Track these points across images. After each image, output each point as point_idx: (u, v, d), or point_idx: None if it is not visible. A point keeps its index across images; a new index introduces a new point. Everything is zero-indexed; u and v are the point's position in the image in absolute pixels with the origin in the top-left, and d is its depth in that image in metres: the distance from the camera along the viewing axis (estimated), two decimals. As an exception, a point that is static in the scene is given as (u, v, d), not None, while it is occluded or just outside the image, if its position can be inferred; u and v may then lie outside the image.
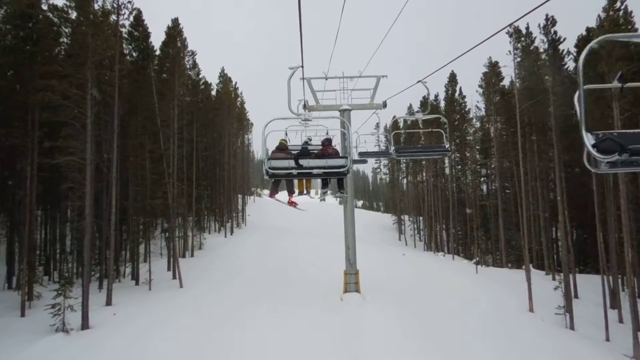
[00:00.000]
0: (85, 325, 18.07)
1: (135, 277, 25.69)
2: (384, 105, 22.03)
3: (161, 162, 25.02)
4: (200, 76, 40.51)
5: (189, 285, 24.94)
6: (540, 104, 30.62)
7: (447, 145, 12.12)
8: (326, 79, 22.46)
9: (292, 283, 26.54)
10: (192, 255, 35.24)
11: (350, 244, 22.78)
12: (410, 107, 65.78)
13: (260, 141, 9.37)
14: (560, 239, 26.70)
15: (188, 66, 36.56)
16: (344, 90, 22.62)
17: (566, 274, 25.04)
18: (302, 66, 11.63)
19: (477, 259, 39.05)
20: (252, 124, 75.51)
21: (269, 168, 9.23)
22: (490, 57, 39.28)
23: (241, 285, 25.32)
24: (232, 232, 46.99)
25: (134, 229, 25.99)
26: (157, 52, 30.44)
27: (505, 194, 42.02)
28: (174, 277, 25.93)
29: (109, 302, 20.95)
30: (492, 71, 39.52)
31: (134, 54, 26.95)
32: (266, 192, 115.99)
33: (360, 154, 21.18)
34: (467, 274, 32.60)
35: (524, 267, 37.33)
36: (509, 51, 29.83)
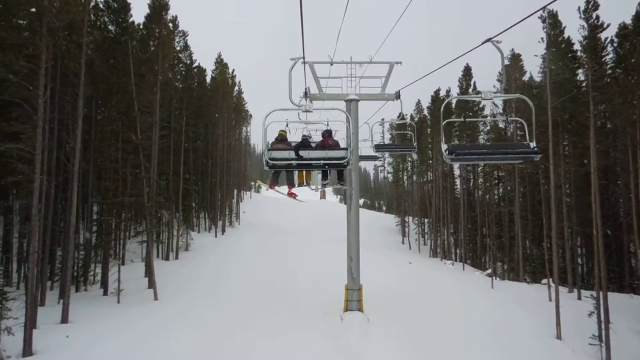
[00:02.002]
0: (27, 351, 14.66)
1: (104, 285, 22.24)
2: (397, 96, 18.73)
3: (139, 154, 21.53)
4: (194, 59, 36.81)
5: (166, 298, 21.53)
6: (574, 100, 27.17)
7: (533, 145, 8.01)
8: (331, 64, 19.17)
9: (286, 297, 23.26)
10: (176, 258, 31.81)
11: (354, 255, 19.42)
12: (418, 102, 62.34)
13: (261, 134, 9.56)
14: (596, 256, 23.24)
15: (178, 48, 33.01)
16: (351, 77, 19.28)
17: (604, 298, 21.60)
18: (303, 48, 10.43)
19: (491, 270, 35.63)
20: (250, 115, 71.88)
21: (269, 159, 9.21)
22: (512, 49, 35.72)
23: (227, 299, 21.96)
24: (223, 231, 43.47)
25: (106, 230, 22.51)
26: (143, 31, 26.96)
27: (523, 199, 38.47)
28: (150, 287, 22.53)
29: (64, 319, 17.52)
30: (514, 64, 35.96)
31: (111, 28, 23.40)
32: (265, 186, 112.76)
33: (377, 146, 17.82)
34: (481, 289, 29.16)
35: (543, 281, 33.97)
36: (542, 38, 26.28)
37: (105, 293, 22.04)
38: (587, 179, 28.93)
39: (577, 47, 29.04)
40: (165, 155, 31.99)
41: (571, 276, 31.29)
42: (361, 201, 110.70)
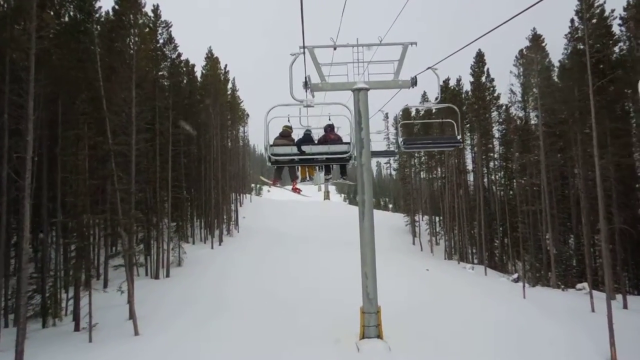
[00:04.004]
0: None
1: (76, 317, 18.85)
2: (414, 82, 15.37)
3: (110, 162, 18.19)
4: (180, 52, 33.27)
5: (150, 331, 18.06)
6: (613, 82, 23.76)
7: None
8: (334, 49, 15.73)
9: (291, 320, 19.87)
10: (167, 275, 28.44)
11: (370, 272, 15.90)
12: (424, 94, 58.80)
13: (262, 133, 8.91)
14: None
15: (161, 40, 29.58)
16: (358, 62, 15.86)
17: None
18: (303, 31, 8.93)
19: (517, 275, 32.21)
20: (247, 114, 68.27)
21: (272, 154, 9.43)
22: (534, 28, 32.14)
23: (224, 328, 18.52)
24: (221, 241, 39.90)
25: (77, 252, 19.12)
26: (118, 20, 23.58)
27: (548, 195, 34.94)
28: (131, 317, 19.17)
29: (18, 370, 14.15)
30: (535, 45, 32.41)
31: (78, 16, 20.00)
32: (266, 187, 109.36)
33: (406, 141, 14.26)
34: (513, 300, 25.58)
35: (578, 287, 30.52)
36: (576, 14, 22.96)
37: (76, 328, 18.64)
38: (631, 172, 25.65)
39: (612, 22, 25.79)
40: (150, 162, 28.69)
41: (612, 280, 27.77)
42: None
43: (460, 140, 13.31)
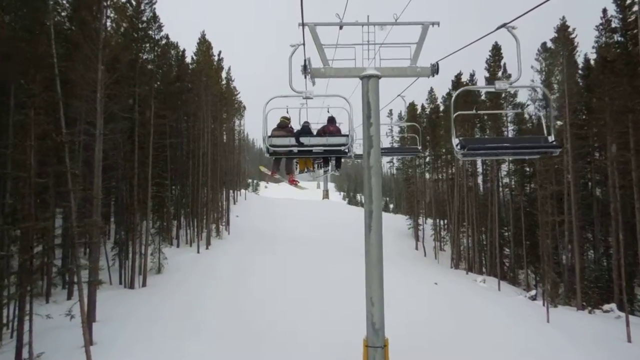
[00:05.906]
0: None
1: (19, 343, 15.57)
2: (434, 70, 12.11)
3: (71, 156, 14.90)
4: (166, 34, 29.88)
5: (107, 361, 14.99)
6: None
7: None
8: (340, 28, 12.44)
9: (280, 350, 16.91)
10: (143, 285, 25.17)
11: (376, 299, 12.39)
12: (431, 90, 55.50)
13: (262, 122, 8.98)
14: None
15: (145, 18, 26.15)
16: (368, 44, 12.59)
17: None
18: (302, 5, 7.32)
19: (535, 292, 28.97)
20: (244, 107, 64.68)
21: (270, 145, 9.40)
22: (563, 17, 28.75)
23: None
24: (208, 244, 36.37)
25: (22, 266, 15.79)
26: None
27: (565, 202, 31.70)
28: (92, 343, 16.03)
29: None
30: (563, 37, 29.06)
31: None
32: (263, 183, 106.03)
33: (468, 143, 9.88)
34: (536, 325, 22.35)
35: (605, 307, 27.33)
36: (614, 2, 19.69)
37: (18, 358, 15.37)
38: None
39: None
40: (128, 155, 25.42)
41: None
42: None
43: (556, 143, 8.73)
